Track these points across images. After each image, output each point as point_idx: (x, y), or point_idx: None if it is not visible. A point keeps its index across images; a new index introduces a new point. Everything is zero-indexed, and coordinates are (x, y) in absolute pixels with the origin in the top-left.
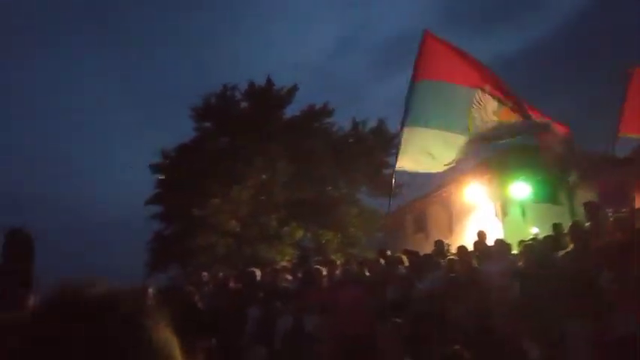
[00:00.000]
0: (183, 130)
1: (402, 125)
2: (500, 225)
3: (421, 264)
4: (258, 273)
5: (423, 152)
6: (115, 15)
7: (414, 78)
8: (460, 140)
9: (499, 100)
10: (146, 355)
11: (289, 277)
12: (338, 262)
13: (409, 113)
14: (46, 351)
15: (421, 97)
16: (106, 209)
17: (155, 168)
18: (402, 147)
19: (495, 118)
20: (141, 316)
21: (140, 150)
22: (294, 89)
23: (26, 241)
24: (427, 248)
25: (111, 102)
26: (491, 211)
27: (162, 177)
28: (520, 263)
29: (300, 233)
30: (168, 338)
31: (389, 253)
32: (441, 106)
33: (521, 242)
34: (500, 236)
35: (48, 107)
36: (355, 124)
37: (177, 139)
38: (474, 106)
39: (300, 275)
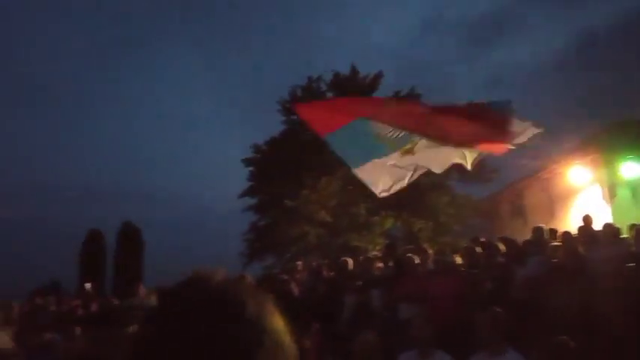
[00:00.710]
0: (275, 124)
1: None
2: (607, 208)
3: (520, 251)
4: (350, 262)
5: (382, 177)
6: (209, 13)
7: (320, 135)
8: (394, 159)
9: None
10: (265, 337)
11: (380, 265)
12: (430, 251)
13: (343, 160)
14: (177, 333)
15: (336, 147)
16: (205, 203)
17: (248, 162)
18: (368, 182)
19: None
20: (257, 300)
21: (238, 145)
22: (379, 76)
23: (137, 233)
24: (526, 234)
25: (211, 101)
26: (596, 194)
27: (255, 170)
28: (633, 248)
29: (390, 222)
30: (280, 322)
31: (485, 240)
32: (352, 146)
33: (633, 226)
34: (609, 220)
35: (152, 108)
36: None
37: (270, 133)
38: (375, 130)
39: (391, 264)
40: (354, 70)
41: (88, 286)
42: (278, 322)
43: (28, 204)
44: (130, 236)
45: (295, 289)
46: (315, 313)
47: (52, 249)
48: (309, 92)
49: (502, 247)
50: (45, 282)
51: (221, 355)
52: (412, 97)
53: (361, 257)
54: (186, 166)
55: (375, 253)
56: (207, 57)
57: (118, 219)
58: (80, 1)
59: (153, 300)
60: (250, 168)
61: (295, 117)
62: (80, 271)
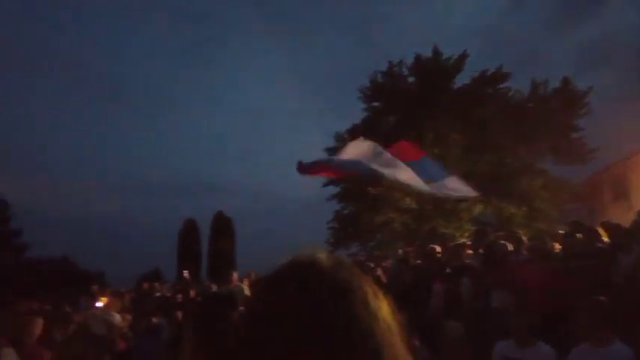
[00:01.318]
0: (357, 112)
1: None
2: None
3: (624, 236)
4: (438, 249)
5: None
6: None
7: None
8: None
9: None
10: (370, 317)
11: (470, 252)
12: (524, 238)
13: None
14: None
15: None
16: (290, 193)
17: (331, 151)
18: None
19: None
20: (359, 282)
21: (322, 134)
22: (463, 56)
23: (229, 223)
24: (629, 219)
25: (294, 94)
26: None
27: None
28: None
29: (478, 208)
30: (386, 303)
31: (585, 225)
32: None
33: None
34: None
35: (238, 103)
36: (535, 86)
37: (352, 121)
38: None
39: (481, 251)
40: (436, 52)
41: (186, 273)
42: (384, 302)
43: (130, 198)
44: (223, 226)
45: (382, 277)
46: (401, 301)
47: (152, 239)
48: (390, 77)
49: (604, 232)
50: (148, 270)
51: (335, 334)
52: (499, 76)
53: (450, 244)
54: (271, 157)
55: (463, 240)
56: (290, 50)
57: (211, 210)
58: (164, 4)
59: (245, 285)
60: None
61: (377, 104)
62: (178, 259)
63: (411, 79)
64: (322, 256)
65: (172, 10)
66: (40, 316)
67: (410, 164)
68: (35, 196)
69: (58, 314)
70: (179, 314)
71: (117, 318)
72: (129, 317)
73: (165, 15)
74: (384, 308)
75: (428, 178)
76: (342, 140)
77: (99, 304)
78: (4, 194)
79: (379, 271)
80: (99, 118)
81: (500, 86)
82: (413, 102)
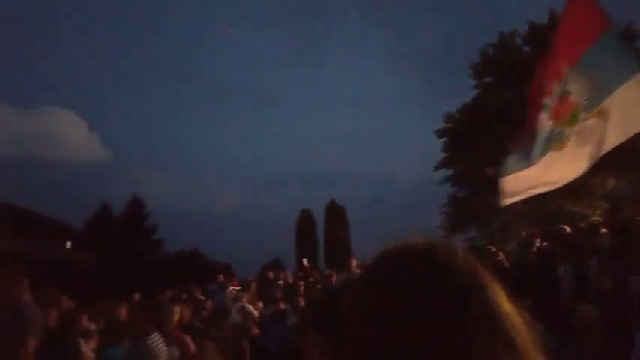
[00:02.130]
0: (465, 90)
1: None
2: None
3: None
4: (567, 229)
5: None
6: None
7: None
8: None
9: None
10: (488, 302)
11: (604, 232)
12: None
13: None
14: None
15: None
16: (401, 178)
17: (441, 132)
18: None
19: None
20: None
21: (430, 117)
22: None
23: (342, 211)
24: None
25: (399, 76)
26: None
27: (449, 140)
28: None
29: (611, 183)
30: (503, 293)
31: None
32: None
33: None
34: None
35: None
36: None
37: (461, 100)
38: None
39: (616, 230)
40: (552, 17)
41: (305, 261)
42: (500, 291)
43: (249, 192)
44: (336, 214)
45: (504, 261)
46: (525, 286)
47: (271, 230)
48: (503, 50)
49: None
50: (269, 259)
51: (460, 329)
52: (630, 34)
53: (581, 224)
54: (379, 144)
55: (595, 219)
56: (396, 32)
57: (325, 199)
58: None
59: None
60: (444, 139)
61: (488, 79)
62: (297, 248)
63: (525, 50)
64: (437, 242)
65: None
66: (179, 304)
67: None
68: (166, 194)
69: (192, 302)
70: (301, 300)
71: (251, 307)
72: (259, 304)
73: (264, 11)
74: (504, 297)
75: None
76: (452, 121)
77: (232, 291)
78: (140, 193)
79: (501, 256)
80: (214, 118)
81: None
82: (530, 74)
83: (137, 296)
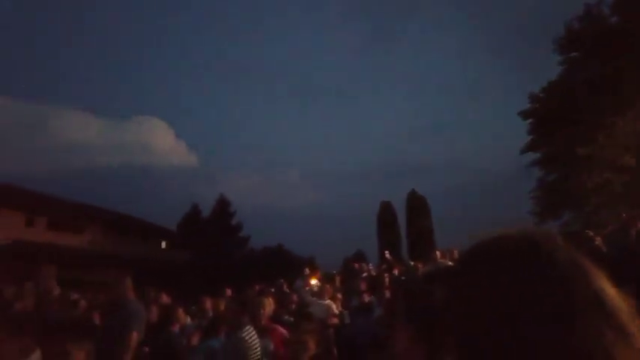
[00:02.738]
0: (549, 68)
1: None
2: None
3: None
4: None
5: None
6: None
7: None
8: None
9: None
10: (590, 291)
11: None
12: None
13: None
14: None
15: None
16: (481, 166)
17: (525, 114)
18: None
19: None
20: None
21: (514, 99)
22: None
23: (423, 202)
24: None
25: (479, 61)
26: None
27: (535, 121)
28: None
29: None
30: (606, 283)
31: None
32: None
33: None
34: None
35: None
36: None
37: (545, 79)
38: None
39: None
40: None
41: (387, 253)
42: (603, 277)
43: (330, 187)
44: (417, 205)
45: (602, 246)
46: (627, 271)
47: (354, 223)
48: (589, 22)
49: None
50: (352, 253)
51: (566, 317)
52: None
53: None
54: (461, 130)
55: None
56: (471, 16)
57: (405, 190)
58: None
59: (447, 262)
60: (529, 120)
61: (575, 54)
62: (379, 240)
63: (614, 20)
64: (534, 231)
65: (346, 5)
66: (269, 297)
67: None
68: (250, 193)
69: (280, 296)
70: (387, 292)
71: (329, 303)
72: (339, 296)
73: (340, 10)
74: (607, 282)
75: None
76: (537, 101)
77: (312, 284)
78: (226, 193)
79: (598, 240)
80: (294, 116)
81: None
82: (620, 45)
83: (229, 292)
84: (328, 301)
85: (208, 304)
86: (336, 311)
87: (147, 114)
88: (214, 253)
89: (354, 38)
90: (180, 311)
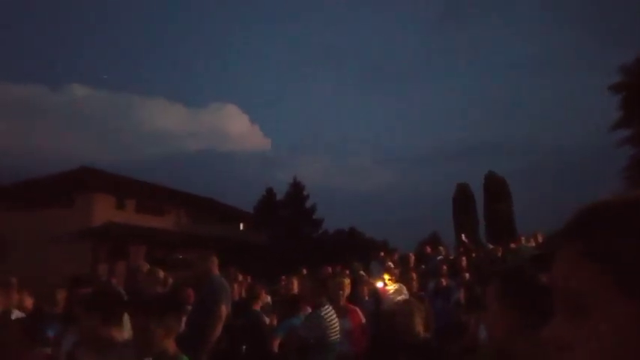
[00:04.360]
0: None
1: None
2: None
3: None
4: None
5: None
6: None
7: None
8: None
9: None
10: None
11: None
12: None
13: None
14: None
15: None
16: (568, 143)
17: (616, 87)
18: None
19: None
20: None
21: (600, 73)
22: None
23: (502, 183)
24: None
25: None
26: None
27: (627, 95)
28: None
29: None
30: None
31: None
32: None
33: None
34: None
35: (500, 58)
36: None
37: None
38: None
39: None
40: None
41: (463, 236)
42: None
43: (404, 169)
44: (495, 187)
45: None
46: None
47: (428, 205)
48: None
49: None
50: (426, 235)
51: None
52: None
53: None
54: (542, 109)
55: None
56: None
57: (482, 172)
58: None
59: (531, 244)
60: (621, 94)
61: None
62: (455, 223)
63: None
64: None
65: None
66: (346, 279)
67: None
68: (323, 175)
69: (356, 277)
70: (466, 276)
71: (400, 286)
72: (414, 277)
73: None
74: None
75: None
76: (629, 74)
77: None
78: (299, 177)
79: None
80: (366, 99)
81: None
82: None
83: (304, 271)
84: (399, 285)
85: (295, 283)
86: (406, 293)
87: (222, 101)
88: (289, 235)
89: (424, 16)
90: (264, 292)
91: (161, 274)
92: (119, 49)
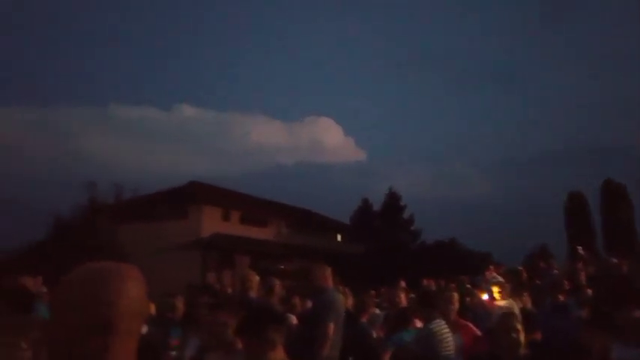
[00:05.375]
0: None
1: None
2: None
3: None
4: None
5: None
6: None
7: None
8: None
9: None
10: None
11: None
12: None
13: None
14: None
15: None
16: None
17: None
18: None
19: None
20: None
21: None
22: None
23: (621, 191)
24: None
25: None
26: None
27: None
28: None
29: None
30: None
31: None
32: None
33: None
34: None
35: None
36: None
37: None
38: None
39: None
40: None
41: (580, 249)
42: None
43: (507, 177)
44: (614, 193)
45: None
46: None
47: (533, 215)
48: None
49: None
50: (534, 247)
51: None
52: None
53: None
54: None
55: None
56: None
57: (597, 178)
58: None
59: None
60: None
61: None
62: (567, 234)
63: None
64: None
65: None
66: (455, 292)
67: None
68: (420, 185)
69: (461, 292)
70: (588, 292)
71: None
72: (526, 294)
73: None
74: None
75: None
76: None
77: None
78: (395, 187)
79: None
80: (461, 104)
81: None
82: None
83: (403, 283)
84: (509, 301)
85: (402, 296)
86: (517, 311)
87: (317, 114)
88: (385, 246)
89: (528, 15)
90: (371, 302)
91: (271, 283)
92: (221, 71)
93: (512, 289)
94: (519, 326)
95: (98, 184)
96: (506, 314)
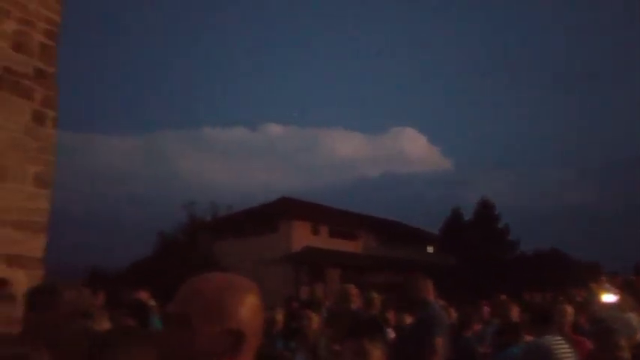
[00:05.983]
0: None
1: None
2: None
3: None
4: None
5: None
6: None
7: None
8: None
9: None
10: None
11: None
12: None
13: None
14: None
15: None
16: None
17: None
18: None
19: None
20: None
21: None
22: None
23: None
24: None
25: None
26: None
27: None
28: None
29: None
30: None
31: None
32: None
33: None
34: None
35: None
36: None
37: None
38: None
39: None
40: None
41: None
42: None
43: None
44: None
45: None
46: None
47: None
48: None
49: None
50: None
51: None
52: None
53: None
54: None
55: None
56: None
57: None
58: None
59: None
60: None
61: None
62: None
63: None
64: None
65: None
66: (568, 305)
67: None
68: (514, 193)
69: (574, 305)
70: None
71: (632, 316)
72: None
73: None
74: None
75: None
76: None
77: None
78: (488, 196)
79: None
80: (548, 107)
81: None
82: None
83: (503, 297)
84: (631, 314)
85: (515, 311)
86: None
87: (400, 125)
88: (480, 257)
89: (611, 13)
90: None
91: (373, 295)
92: (302, 90)
93: (634, 302)
94: (623, 343)
95: (196, 203)
96: (608, 331)
